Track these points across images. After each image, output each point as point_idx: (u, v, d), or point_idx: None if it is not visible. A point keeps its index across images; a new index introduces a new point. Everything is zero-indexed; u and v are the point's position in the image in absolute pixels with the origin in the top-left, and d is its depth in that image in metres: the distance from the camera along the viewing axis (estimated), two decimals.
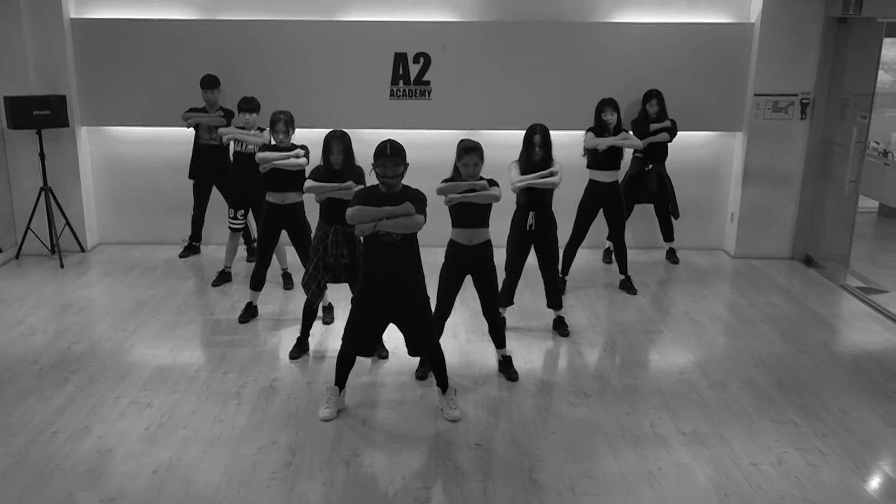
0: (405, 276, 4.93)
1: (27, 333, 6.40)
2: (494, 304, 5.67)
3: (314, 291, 5.87)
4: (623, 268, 7.58)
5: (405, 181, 4.92)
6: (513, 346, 6.16)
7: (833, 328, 6.87)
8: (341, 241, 5.70)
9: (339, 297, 6.67)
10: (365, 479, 4.47)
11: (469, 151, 5.35)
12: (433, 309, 5.35)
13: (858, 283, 7.80)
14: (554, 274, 6.45)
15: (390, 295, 4.94)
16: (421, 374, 5.70)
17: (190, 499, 4.26)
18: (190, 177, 8.15)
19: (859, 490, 4.46)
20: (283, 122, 6.31)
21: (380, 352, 6.00)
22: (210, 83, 7.81)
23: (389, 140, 4.85)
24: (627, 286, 7.55)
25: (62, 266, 8.05)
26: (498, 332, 5.78)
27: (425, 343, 5.09)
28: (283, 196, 6.41)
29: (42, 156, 7.99)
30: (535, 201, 6.16)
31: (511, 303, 6.50)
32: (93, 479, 4.41)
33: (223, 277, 7.59)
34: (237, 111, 7.37)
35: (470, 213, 5.42)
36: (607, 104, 7.26)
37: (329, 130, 5.72)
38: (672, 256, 8.51)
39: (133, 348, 6.15)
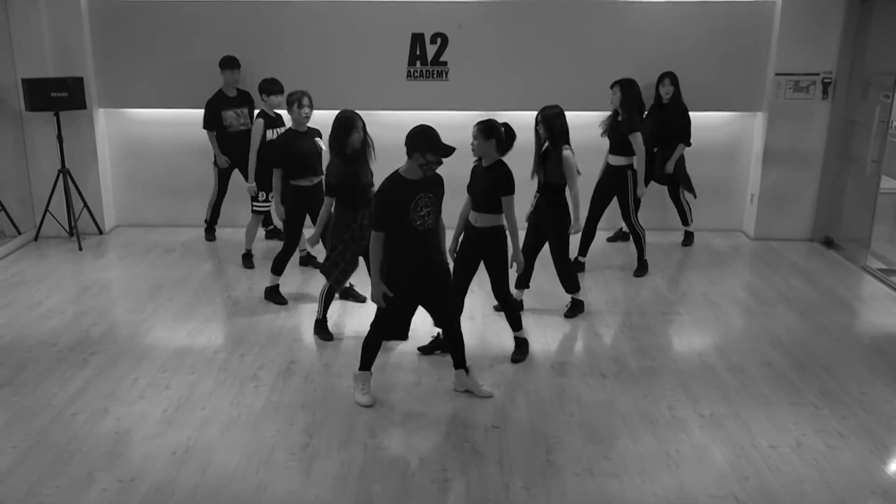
0: (437, 254, 4.98)
1: (46, 315, 6.44)
2: (503, 287, 5.60)
3: (336, 278, 5.86)
4: (638, 252, 7.47)
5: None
6: (529, 327, 6.14)
7: (853, 310, 6.81)
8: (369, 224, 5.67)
9: (362, 280, 6.64)
10: (382, 461, 4.48)
11: (475, 127, 5.38)
12: None
13: (879, 264, 7.71)
14: (561, 260, 6.32)
15: (426, 277, 4.94)
16: (427, 349, 5.77)
17: (208, 479, 4.28)
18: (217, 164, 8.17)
19: (879, 472, 4.42)
20: (308, 97, 6.42)
21: None
22: (230, 63, 7.81)
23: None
24: (638, 270, 7.46)
25: (80, 248, 8.09)
26: (510, 315, 5.72)
27: (450, 311, 5.11)
28: (311, 178, 6.52)
29: (60, 138, 8.01)
30: (542, 182, 6.17)
31: (527, 286, 6.46)
32: (111, 460, 4.44)
33: (247, 260, 7.59)
34: (259, 93, 7.32)
35: (473, 197, 5.47)
36: (615, 84, 7.19)
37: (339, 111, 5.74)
38: (687, 240, 8.40)
39: (151, 330, 6.18)
